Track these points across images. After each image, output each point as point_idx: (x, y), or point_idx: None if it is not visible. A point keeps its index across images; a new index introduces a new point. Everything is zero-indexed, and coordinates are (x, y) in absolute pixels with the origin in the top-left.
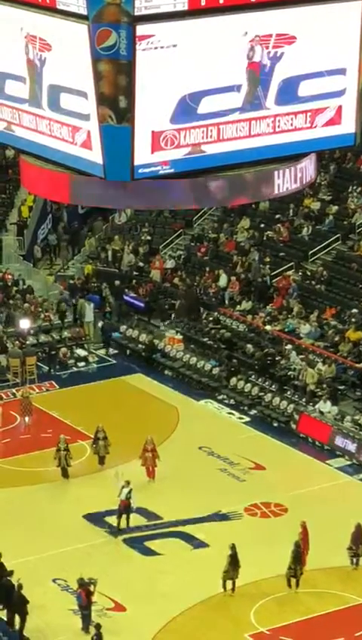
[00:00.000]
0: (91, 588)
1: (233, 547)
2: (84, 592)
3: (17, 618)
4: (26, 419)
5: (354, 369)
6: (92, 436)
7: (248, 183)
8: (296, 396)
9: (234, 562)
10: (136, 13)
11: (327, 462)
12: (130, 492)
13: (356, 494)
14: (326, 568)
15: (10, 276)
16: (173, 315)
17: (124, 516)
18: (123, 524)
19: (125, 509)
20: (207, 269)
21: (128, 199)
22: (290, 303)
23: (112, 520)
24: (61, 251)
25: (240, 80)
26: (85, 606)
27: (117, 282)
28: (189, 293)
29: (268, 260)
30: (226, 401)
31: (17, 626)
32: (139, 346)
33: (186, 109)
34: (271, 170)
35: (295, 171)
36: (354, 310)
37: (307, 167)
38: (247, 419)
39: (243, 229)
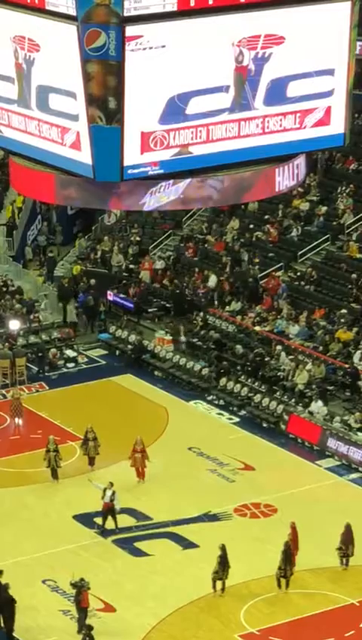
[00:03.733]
0: (83, 590)
1: (223, 548)
2: (79, 594)
3: (4, 618)
4: (17, 420)
5: (343, 369)
6: (81, 437)
7: (247, 182)
8: (286, 397)
9: (223, 563)
10: (125, 14)
11: (317, 462)
12: (113, 494)
13: (345, 495)
14: (316, 569)
15: None
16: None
17: (109, 518)
18: (109, 526)
19: (109, 510)
20: (196, 269)
21: (115, 200)
22: (280, 303)
23: (101, 521)
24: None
25: (228, 81)
26: (81, 607)
27: (92, 281)
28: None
29: (257, 260)
30: (216, 402)
31: (4, 626)
32: (129, 346)
33: (175, 110)
34: (272, 169)
35: (292, 168)
36: (344, 311)
37: (301, 165)
38: (237, 419)
39: (232, 230)
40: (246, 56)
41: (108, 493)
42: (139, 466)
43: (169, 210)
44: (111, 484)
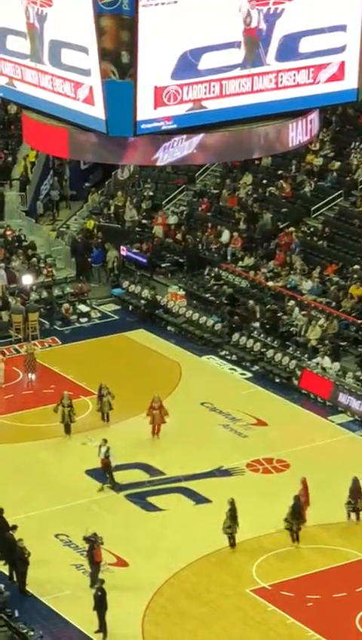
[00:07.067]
0: (96, 544)
1: (232, 502)
2: (92, 548)
3: (17, 573)
4: (30, 375)
5: (356, 325)
6: (94, 392)
7: (260, 137)
8: (298, 352)
9: (233, 517)
10: None
11: (329, 418)
12: (107, 450)
13: (357, 450)
14: (328, 524)
15: (10, 232)
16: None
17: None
18: (121, 480)
19: (106, 467)
20: (209, 224)
21: (128, 155)
22: (293, 259)
23: (115, 475)
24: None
25: (240, 37)
26: (94, 562)
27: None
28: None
29: (270, 216)
30: (228, 357)
31: (16, 580)
32: (142, 301)
33: (187, 65)
34: (285, 124)
35: (305, 123)
36: (356, 266)
37: (314, 120)
38: (249, 375)
39: (245, 185)
40: (254, 18)
41: (103, 449)
42: (157, 422)
43: (182, 165)
44: (105, 441)
